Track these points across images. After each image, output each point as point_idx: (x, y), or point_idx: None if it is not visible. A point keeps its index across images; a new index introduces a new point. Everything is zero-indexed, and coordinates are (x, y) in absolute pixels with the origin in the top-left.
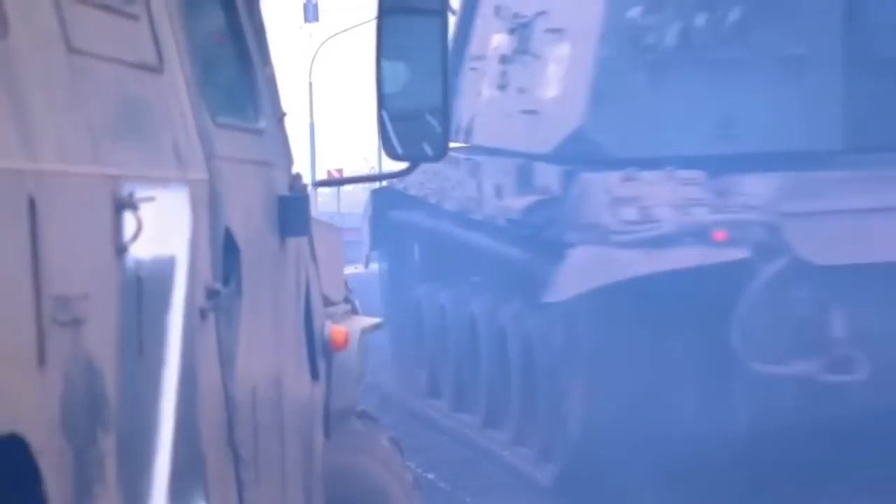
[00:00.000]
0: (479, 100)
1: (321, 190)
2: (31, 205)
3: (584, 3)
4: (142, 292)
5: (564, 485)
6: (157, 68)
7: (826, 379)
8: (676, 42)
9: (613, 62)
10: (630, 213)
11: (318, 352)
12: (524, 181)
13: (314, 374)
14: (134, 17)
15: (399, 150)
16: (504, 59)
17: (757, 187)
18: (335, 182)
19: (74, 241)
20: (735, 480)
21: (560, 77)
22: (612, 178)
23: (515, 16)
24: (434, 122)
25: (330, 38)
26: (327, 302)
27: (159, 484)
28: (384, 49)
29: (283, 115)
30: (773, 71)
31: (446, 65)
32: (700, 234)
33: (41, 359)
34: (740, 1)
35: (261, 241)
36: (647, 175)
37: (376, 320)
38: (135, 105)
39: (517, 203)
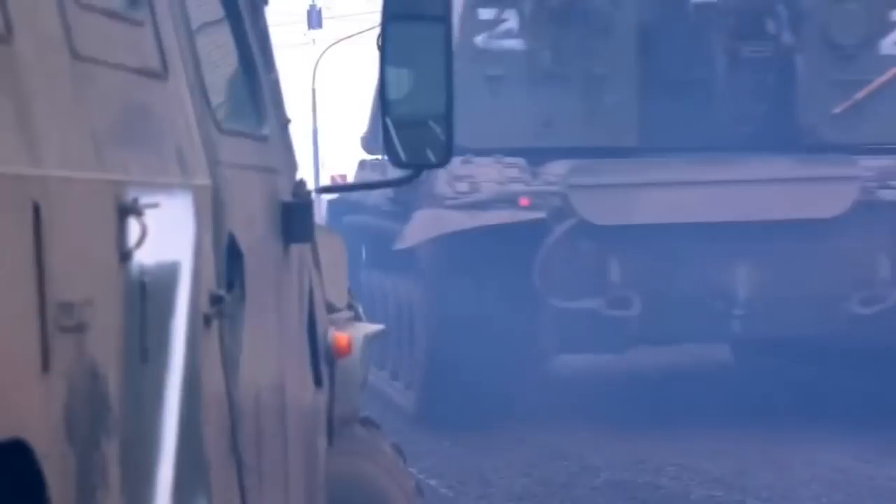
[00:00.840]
0: None
1: (325, 196)
2: (36, 210)
3: None
4: (146, 298)
5: (424, 410)
6: (161, 74)
7: (607, 313)
8: (509, 62)
9: (462, 76)
10: (463, 186)
11: (322, 358)
12: None
13: (317, 381)
14: (138, 24)
15: (403, 157)
16: None
17: (558, 169)
18: (339, 188)
19: (78, 246)
20: (550, 394)
21: None
22: (454, 161)
23: None
24: (438, 129)
25: (333, 44)
26: (330, 308)
27: (162, 490)
28: (388, 55)
29: (288, 121)
30: (584, 86)
31: (450, 71)
32: (511, 201)
33: (45, 364)
34: (557, 33)
35: (264, 248)
36: (480, 160)
37: (379, 327)
38: (139, 111)
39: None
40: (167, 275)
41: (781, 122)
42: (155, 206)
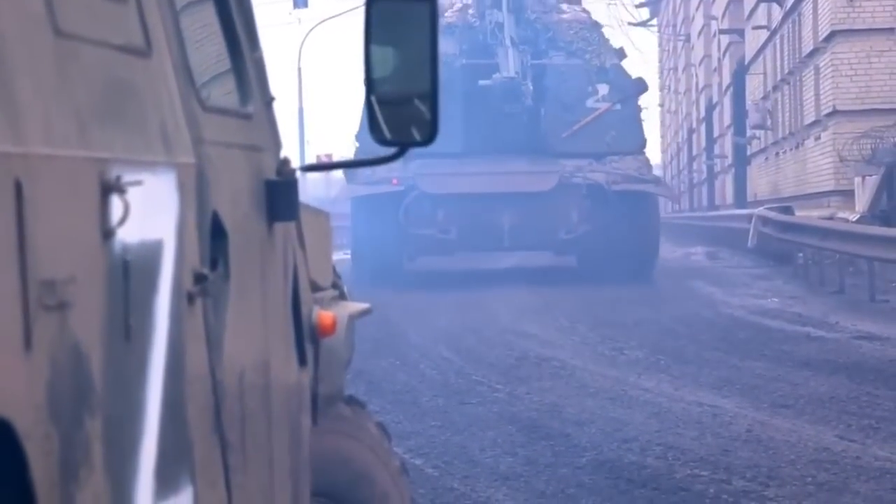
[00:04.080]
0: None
1: (310, 175)
2: (18, 188)
3: None
4: (129, 276)
5: (353, 276)
6: (144, 52)
7: (439, 236)
8: None
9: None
10: (368, 171)
11: (306, 337)
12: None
13: (302, 360)
14: (121, 0)
15: (387, 135)
16: None
17: (415, 164)
18: (323, 167)
19: (61, 224)
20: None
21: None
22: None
23: None
24: (422, 107)
25: (319, 23)
26: (315, 287)
27: (146, 468)
28: (373, 34)
29: (272, 99)
30: None
31: (435, 49)
32: (388, 181)
33: (27, 343)
34: None
35: (248, 226)
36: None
37: (364, 306)
38: (122, 89)
39: None
40: (150, 253)
41: (537, 141)
42: (138, 183)
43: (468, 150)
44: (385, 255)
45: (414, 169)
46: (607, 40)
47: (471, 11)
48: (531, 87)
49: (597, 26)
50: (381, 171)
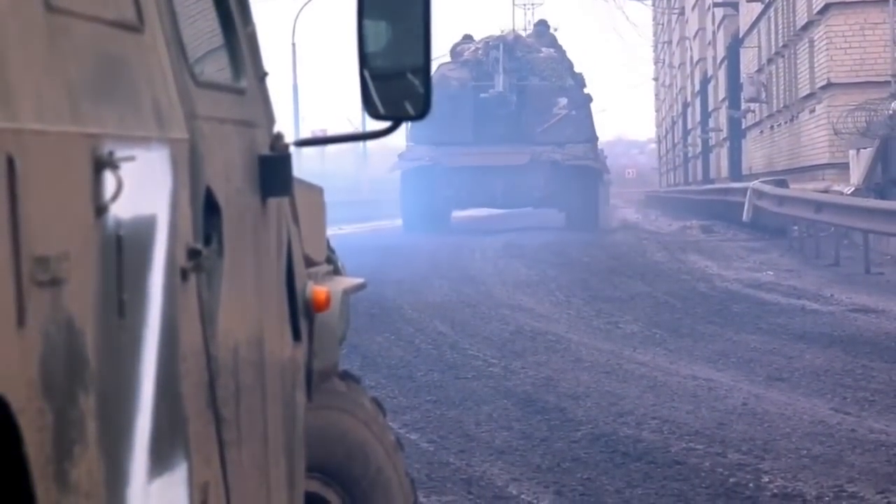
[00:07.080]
0: None
1: (305, 151)
2: (10, 164)
3: None
4: (122, 252)
5: (405, 225)
6: (137, 27)
7: (455, 195)
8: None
9: None
10: (411, 153)
11: (300, 312)
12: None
13: (296, 335)
14: None
15: (381, 110)
16: None
17: (440, 148)
18: (317, 141)
19: (54, 200)
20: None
21: None
22: (414, 145)
23: None
24: (416, 81)
25: None
26: (309, 262)
27: (140, 445)
28: (366, 8)
29: (265, 74)
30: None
31: (428, 23)
32: (423, 158)
33: (21, 319)
34: (441, 94)
35: (242, 201)
36: (418, 145)
37: (359, 281)
38: (115, 64)
39: None
40: (144, 229)
41: (520, 134)
42: (131, 159)
43: (476, 141)
44: (425, 207)
45: (440, 151)
46: (571, 69)
47: (479, 52)
48: (515, 99)
49: (563, 60)
50: (419, 152)
